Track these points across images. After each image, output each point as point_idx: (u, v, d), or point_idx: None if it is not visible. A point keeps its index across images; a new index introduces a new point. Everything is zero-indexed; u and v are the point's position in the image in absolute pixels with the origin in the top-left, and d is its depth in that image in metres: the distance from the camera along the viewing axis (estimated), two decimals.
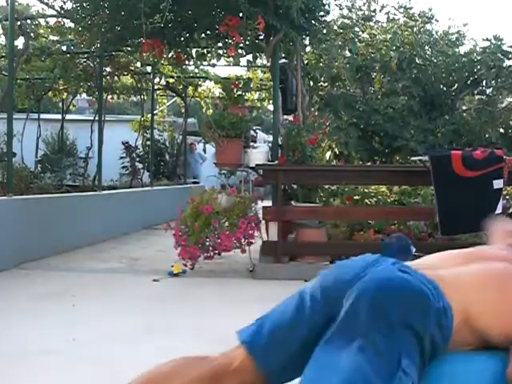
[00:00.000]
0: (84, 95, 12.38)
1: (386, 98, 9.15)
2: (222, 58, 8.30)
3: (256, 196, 6.28)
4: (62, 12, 7.11)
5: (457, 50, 10.00)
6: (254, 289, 5.14)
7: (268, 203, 6.35)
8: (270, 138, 7.69)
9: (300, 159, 5.97)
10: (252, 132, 6.85)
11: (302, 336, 1.47)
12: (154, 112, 12.41)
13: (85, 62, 9.77)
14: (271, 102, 7.49)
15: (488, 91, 9.72)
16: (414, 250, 5.72)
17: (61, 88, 11.35)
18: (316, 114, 8.73)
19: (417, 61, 9.41)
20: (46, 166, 10.79)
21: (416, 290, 1.40)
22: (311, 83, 9.44)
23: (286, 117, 7.06)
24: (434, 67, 9.33)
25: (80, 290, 5.01)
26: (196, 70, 11.04)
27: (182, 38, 6.78)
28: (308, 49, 8.84)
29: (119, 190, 10.19)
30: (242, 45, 6.58)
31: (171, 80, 11.61)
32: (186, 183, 13.17)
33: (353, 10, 10.62)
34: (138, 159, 11.80)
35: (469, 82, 9.25)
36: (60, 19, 7.94)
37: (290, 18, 5.85)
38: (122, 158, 11.66)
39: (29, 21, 7.98)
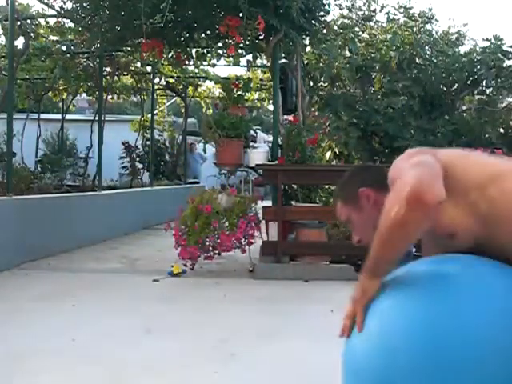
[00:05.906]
0: (84, 95, 12.38)
1: (385, 98, 9.14)
2: (222, 57, 8.31)
3: (256, 196, 6.28)
4: (62, 12, 7.12)
5: (457, 50, 9.99)
6: (254, 289, 5.14)
7: (268, 203, 6.35)
8: (270, 138, 7.70)
9: (300, 159, 5.97)
10: (252, 132, 6.85)
11: None
12: (154, 112, 12.41)
13: (85, 61, 9.78)
14: (271, 102, 7.49)
15: (488, 91, 9.70)
16: (413, 249, 5.74)
17: (61, 88, 11.37)
18: (316, 113, 8.73)
19: (417, 61, 9.39)
20: (46, 166, 10.79)
21: None
22: (311, 83, 9.43)
23: (286, 117, 7.05)
24: (434, 67, 9.32)
25: (80, 290, 5.00)
26: (196, 70, 11.04)
27: (182, 38, 6.79)
28: (308, 49, 8.83)
29: (119, 189, 10.19)
30: (242, 45, 6.59)
31: (171, 80, 11.62)
32: (186, 183, 13.16)
33: (353, 10, 10.62)
34: (137, 159, 11.81)
35: (469, 82, 9.23)
36: (60, 19, 7.95)
37: (290, 18, 5.85)
38: (121, 157, 11.67)
39: (29, 21, 8.00)
